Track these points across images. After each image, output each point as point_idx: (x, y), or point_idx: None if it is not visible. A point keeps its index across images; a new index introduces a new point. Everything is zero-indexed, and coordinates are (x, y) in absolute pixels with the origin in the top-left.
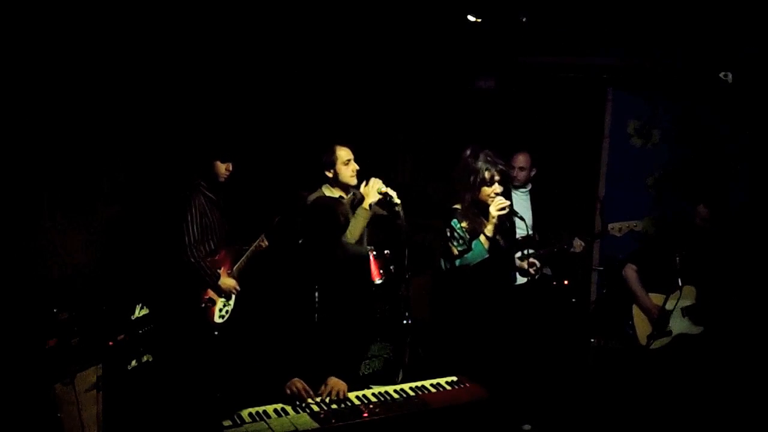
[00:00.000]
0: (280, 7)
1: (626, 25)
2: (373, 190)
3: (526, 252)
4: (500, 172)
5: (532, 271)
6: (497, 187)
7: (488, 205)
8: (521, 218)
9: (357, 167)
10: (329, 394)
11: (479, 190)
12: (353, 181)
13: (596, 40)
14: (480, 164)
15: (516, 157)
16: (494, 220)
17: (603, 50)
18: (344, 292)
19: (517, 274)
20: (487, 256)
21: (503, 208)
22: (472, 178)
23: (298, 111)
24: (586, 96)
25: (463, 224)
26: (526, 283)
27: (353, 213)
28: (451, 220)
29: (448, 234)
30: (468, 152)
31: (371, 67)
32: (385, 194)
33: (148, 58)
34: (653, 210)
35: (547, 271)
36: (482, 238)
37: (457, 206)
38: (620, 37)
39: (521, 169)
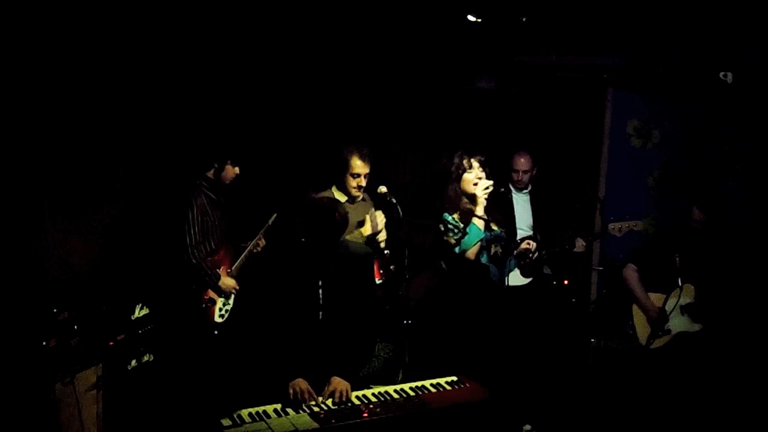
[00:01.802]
0: (281, 9)
1: (626, 25)
2: (376, 221)
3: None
4: (478, 161)
5: (528, 246)
6: (477, 172)
7: (473, 196)
8: (507, 191)
9: (363, 184)
10: (332, 394)
11: (461, 179)
12: (355, 193)
13: (596, 40)
14: (456, 159)
15: (518, 159)
16: (482, 201)
17: (603, 50)
18: (348, 291)
19: (519, 273)
20: (483, 236)
21: (487, 188)
22: (452, 171)
23: (298, 111)
24: (586, 96)
25: (455, 216)
26: (526, 283)
27: (356, 216)
28: (442, 215)
29: (442, 228)
30: (444, 159)
31: (371, 67)
32: (385, 194)
33: (151, 59)
34: (653, 210)
35: (547, 270)
36: (475, 219)
37: (446, 204)
38: (620, 37)
39: (524, 172)
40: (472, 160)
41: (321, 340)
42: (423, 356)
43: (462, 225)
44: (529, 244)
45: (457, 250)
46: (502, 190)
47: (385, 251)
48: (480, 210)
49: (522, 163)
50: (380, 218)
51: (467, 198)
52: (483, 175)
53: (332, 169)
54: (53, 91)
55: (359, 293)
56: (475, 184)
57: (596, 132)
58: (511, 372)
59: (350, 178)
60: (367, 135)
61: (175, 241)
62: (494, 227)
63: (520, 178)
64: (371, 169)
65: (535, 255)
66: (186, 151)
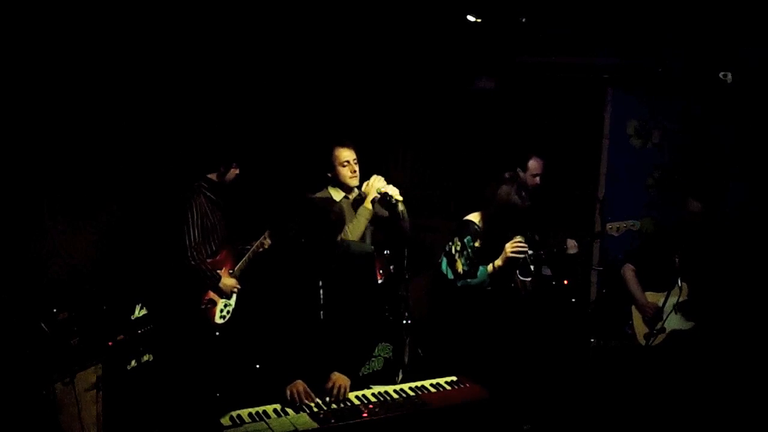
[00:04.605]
0: (281, 9)
1: (626, 25)
2: (373, 188)
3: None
4: (527, 209)
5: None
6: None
7: (505, 232)
8: (531, 261)
9: (356, 168)
10: (332, 389)
11: (504, 224)
12: (352, 182)
13: (596, 40)
14: (515, 199)
15: (532, 164)
16: (505, 257)
17: (603, 50)
18: (349, 290)
19: (518, 273)
20: (488, 286)
21: (519, 252)
22: (501, 209)
23: (298, 111)
24: (586, 96)
25: (476, 244)
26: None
27: (355, 212)
28: (465, 236)
29: (458, 248)
30: (507, 176)
31: (371, 67)
32: (385, 194)
33: (151, 61)
34: (653, 210)
35: (547, 271)
36: (489, 267)
37: (473, 218)
38: (620, 37)
39: (537, 175)
40: (524, 212)
41: (322, 340)
42: (423, 356)
43: (476, 259)
44: (524, 284)
45: (459, 283)
46: (531, 259)
47: (385, 251)
48: (498, 263)
49: (538, 166)
50: (375, 180)
51: (498, 236)
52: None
53: (324, 170)
54: (54, 91)
55: (361, 293)
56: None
57: (596, 132)
58: (510, 372)
59: (342, 169)
60: (368, 135)
61: (174, 242)
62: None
63: (537, 183)
64: (368, 166)
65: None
66: (194, 153)
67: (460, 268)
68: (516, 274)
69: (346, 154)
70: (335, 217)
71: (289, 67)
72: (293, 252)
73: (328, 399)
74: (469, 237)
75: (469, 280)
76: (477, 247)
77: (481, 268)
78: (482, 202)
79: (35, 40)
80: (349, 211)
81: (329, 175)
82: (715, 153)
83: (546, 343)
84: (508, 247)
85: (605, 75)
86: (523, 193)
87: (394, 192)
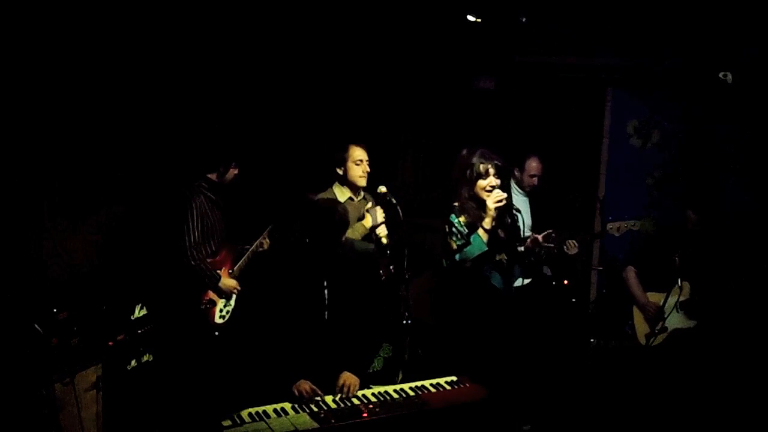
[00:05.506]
0: (282, 10)
1: (626, 25)
2: (375, 215)
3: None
4: (495, 167)
5: (530, 244)
6: (492, 180)
7: (484, 204)
8: (518, 211)
9: (367, 169)
10: (342, 387)
11: (475, 184)
12: (361, 182)
13: (596, 40)
14: (475, 160)
15: (529, 164)
16: (491, 213)
17: (603, 50)
18: (354, 290)
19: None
20: (486, 249)
21: (500, 201)
22: (467, 173)
23: (298, 111)
24: (586, 96)
25: (461, 218)
26: (526, 283)
27: (358, 218)
28: (449, 216)
29: (447, 229)
30: (464, 151)
31: (372, 67)
32: (384, 194)
33: (150, 60)
34: (653, 210)
35: (547, 271)
36: (480, 231)
37: (456, 203)
38: (620, 37)
39: (534, 176)
40: (489, 166)
41: (327, 340)
42: (423, 356)
43: (467, 231)
44: (534, 241)
45: (457, 257)
46: (515, 209)
47: (386, 251)
48: (487, 222)
49: (533, 167)
50: (379, 212)
51: (477, 204)
52: (497, 183)
53: (331, 166)
54: (54, 92)
55: (365, 292)
56: (489, 191)
57: (596, 132)
58: (510, 372)
59: (354, 167)
60: (369, 135)
61: (174, 242)
62: (501, 234)
63: (535, 183)
64: (371, 168)
65: (543, 251)
66: (192, 153)
67: (454, 245)
68: (528, 241)
69: (359, 153)
70: (339, 217)
71: (289, 68)
72: (297, 252)
73: (337, 396)
74: (452, 215)
75: (465, 250)
76: (465, 222)
77: (473, 235)
78: (453, 183)
79: (36, 39)
80: (352, 213)
81: (339, 171)
82: (715, 153)
83: (546, 343)
84: (489, 201)
85: (605, 75)
86: (484, 152)
87: (381, 232)
